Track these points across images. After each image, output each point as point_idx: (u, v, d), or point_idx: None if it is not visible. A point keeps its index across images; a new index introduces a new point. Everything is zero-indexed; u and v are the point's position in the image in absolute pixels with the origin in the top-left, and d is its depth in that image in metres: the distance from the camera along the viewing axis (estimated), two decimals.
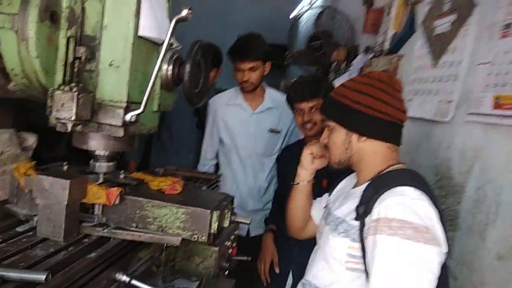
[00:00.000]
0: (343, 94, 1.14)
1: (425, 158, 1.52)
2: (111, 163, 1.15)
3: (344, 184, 1.31)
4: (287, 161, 1.95)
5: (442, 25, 1.63)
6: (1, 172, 1.25)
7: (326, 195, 1.41)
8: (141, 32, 1.04)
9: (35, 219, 1.01)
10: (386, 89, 1.09)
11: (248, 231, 2.19)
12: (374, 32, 2.31)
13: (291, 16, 5.38)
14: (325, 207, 1.31)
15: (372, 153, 1.13)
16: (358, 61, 2.35)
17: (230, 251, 1.46)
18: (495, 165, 1.18)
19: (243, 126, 2.18)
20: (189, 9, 1.03)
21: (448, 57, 1.54)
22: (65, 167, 1.13)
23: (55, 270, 0.80)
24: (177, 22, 1.04)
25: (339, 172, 1.62)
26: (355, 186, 1.19)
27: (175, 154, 2.60)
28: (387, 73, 1.19)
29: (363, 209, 1.01)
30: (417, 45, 1.81)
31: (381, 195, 0.99)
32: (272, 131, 2.17)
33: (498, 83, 1.18)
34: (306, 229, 1.44)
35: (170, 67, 1.17)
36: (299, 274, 1.71)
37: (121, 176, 1.13)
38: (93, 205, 1.03)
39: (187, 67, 1.14)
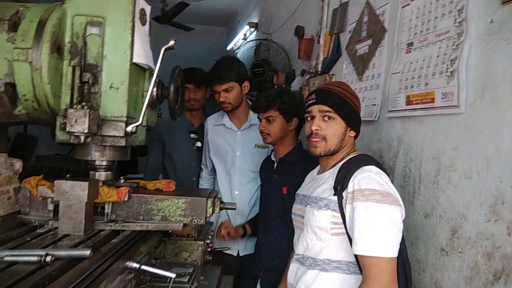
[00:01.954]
0: (343, 93, 1.39)
1: (361, 152, 1.86)
2: (109, 172, 1.34)
3: (309, 175, 1.57)
4: (262, 172, 2.14)
5: (362, 48, 2.05)
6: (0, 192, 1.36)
7: None
8: (135, 60, 1.27)
9: (50, 223, 1.17)
10: (357, 96, 1.45)
11: (238, 251, 2.26)
12: (307, 58, 2.72)
13: (228, 48, 5.80)
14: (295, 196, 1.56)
15: (349, 145, 1.42)
16: (297, 82, 2.73)
17: (210, 246, 1.66)
18: (413, 147, 1.54)
19: (229, 145, 2.29)
20: (175, 40, 1.30)
21: (370, 72, 1.95)
22: None
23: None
24: (165, 50, 1.29)
25: (296, 178, 1.86)
26: (320, 172, 1.47)
27: None
28: None
29: (340, 186, 1.27)
30: (344, 65, 2.22)
31: (353, 173, 1.26)
32: (258, 146, 2.25)
33: (408, 86, 1.58)
34: None
35: (155, 89, 1.40)
36: (268, 281, 1.92)
37: (122, 181, 1.31)
38: (102, 205, 1.21)
39: (172, 88, 1.38)
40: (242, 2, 5.40)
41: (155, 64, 1.35)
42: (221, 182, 2.32)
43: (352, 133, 1.42)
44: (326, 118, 1.38)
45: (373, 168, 1.28)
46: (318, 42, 2.53)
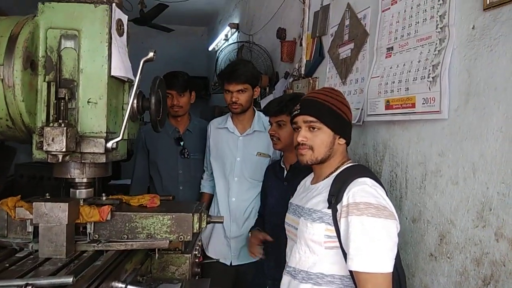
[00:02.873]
0: (329, 101, 1.36)
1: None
2: (90, 189, 1.29)
3: (303, 183, 1.55)
4: (268, 177, 2.06)
5: (344, 51, 2.04)
6: None
7: None
8: (113, 73, 1.22)
9: (30, 245, 1.12)
10: (347, 101, 1.42)
11: (231, 261, 2.21)
12: (290, 60, 2.70)
13: (210, 49, 5.75)
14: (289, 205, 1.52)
15: (340, 153, 1.39)
16: (280, 85, 2.72)
17: (198, 257, 1.62)
18: (399, 152, 1.54)
19: (230, 149, 2.22)
20: (154, 51, 1.26)
21: (353, 76, 1.94)
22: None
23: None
24: (144, 62, 1.25)
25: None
26: (314, 182, 1.43)
27: None
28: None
29: (334, 199, 1.25)
30: (327, 69, 2.21)
31: (347, 186, 1.24)
32: (260, 154, 2.19)
33: (388, 90, 1.57)
34: None
35: (135, 101, 1.36)
36: None
37: (104, 198, 1.27)
38: (84, 224, 1.17)
39: (153, 99, 1.34)
40: (222, 3, 5.36)
41: (135, 75, 1.31)
42: (219, 188, 2.26)
43: (342, 141, 1.39)
44: (311, 129, 1.36)
45: (367, 180, 1.25)
46: (301, 44, 2.51)
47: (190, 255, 1.49)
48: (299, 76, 2.47)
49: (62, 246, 1.06)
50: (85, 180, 1.25)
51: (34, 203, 1.07)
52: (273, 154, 2.18)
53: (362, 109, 1.80)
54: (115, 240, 1.17)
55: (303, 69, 2.46)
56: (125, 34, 1.31)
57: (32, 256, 1.08)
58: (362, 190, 1.22)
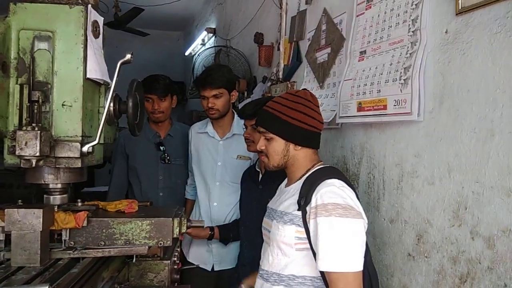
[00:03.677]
0: (280, 110, 1.37)
1: (326, 158, 1.89)
2: (64, 195, 1.25)
3: (279, 187, 1.54)
4: (244, 181, 2.05)
5: (321, 56, 2.06)
6: None
7: None
8: (88, 75, 1.20)
9: (2, 254, 1.07)
10: (311, 105, 1.39)
11: (212, 266, 2.18)
12: (268, 64, 2.71)
13: (186, 54, 5.71)
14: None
15: (303, 157, 1.39)
16: (258, 89, 2.73)
17: (177, 264, 1.60)
18: (376, 153, 1.57)
19: (211, 154, 2.22)
20: (131, 53, 1.24)
21: (330, 80, 1.97)
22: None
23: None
24: (121, 64, 1.23)
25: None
26: (288, 185, 1.45)
27: None
28: (309, 92, 1.45)
29: (304, 201, 1.27)
30: (305, 73, 2.23)
31: (316, 187, 1.25)
32: (241, 157, 2.19)
33: (360, 92, 1.60)
34: None
35: (112, 104, 1.33)
36: None
37: (79, 204, 1.23)
38: (59, 231, 1.13)
39: (130, 103, 1.31)
40: (199, 7, 5.34)
41: (111, 77, 1.28)
42: (200, 192, 2.24)
43: (298, 147, 1.38)
44: (266, 138, 1.40)
45: (335, 181, 1.27)
46: (278, 49, 2.53)
47: (169, 261, 1.47)
48: (277, 80, 2.48)
49: (36, 254, 1.02)
50: (59, 185, 1.22)
51: (6, 210, 1.02)
52: (254, 155, 2.16)
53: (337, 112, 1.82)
54: (91, 247, 1.14)
55: (281, 73, 2.47)
56: (101, 36, 1.29)
57: (3, 265, 1.03)
58: (330, 191, 1.23)
